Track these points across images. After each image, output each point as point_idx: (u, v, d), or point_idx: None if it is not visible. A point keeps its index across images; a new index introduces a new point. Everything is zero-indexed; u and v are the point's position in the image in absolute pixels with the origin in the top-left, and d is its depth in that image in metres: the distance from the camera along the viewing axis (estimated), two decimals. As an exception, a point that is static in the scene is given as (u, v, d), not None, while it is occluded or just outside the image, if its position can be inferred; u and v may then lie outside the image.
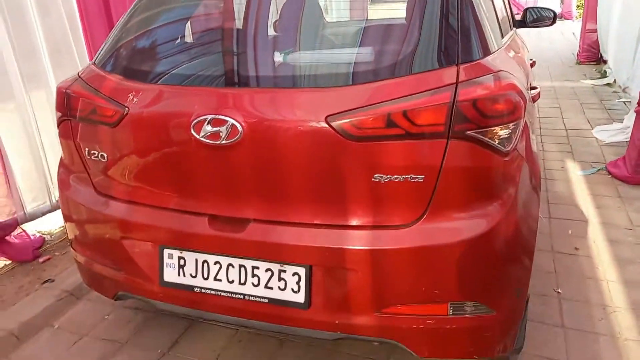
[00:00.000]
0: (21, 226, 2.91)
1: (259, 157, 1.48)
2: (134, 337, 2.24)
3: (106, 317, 2.40)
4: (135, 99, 1.61)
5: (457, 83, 1.36)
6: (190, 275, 1.67)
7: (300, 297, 1.55)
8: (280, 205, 1.52)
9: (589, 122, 4.82)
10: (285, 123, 1.44)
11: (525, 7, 3.49)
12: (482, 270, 1.44)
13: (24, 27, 2.81)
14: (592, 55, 7.24)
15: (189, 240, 1.64)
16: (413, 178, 1.38)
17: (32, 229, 3.03)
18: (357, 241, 1.45)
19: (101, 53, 1.86)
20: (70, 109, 1.77)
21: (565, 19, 12.29)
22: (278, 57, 1.62)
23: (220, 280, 1.64)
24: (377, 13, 2.51)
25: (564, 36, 10.16)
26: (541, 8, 3.34)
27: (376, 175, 1.39)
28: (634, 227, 2.92)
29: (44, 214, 3.03)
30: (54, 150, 3.04)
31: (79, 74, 1.87)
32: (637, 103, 3.41)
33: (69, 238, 2.01)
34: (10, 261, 2.82)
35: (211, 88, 1.58)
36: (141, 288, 1.78)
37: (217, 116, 1.46)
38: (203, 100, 1.51)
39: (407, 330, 1.51)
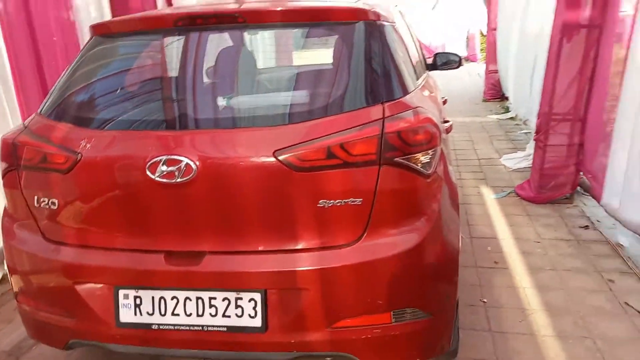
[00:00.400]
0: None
1: (212, 192, 1.61)
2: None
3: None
4: (87, 145, 1.70)
5: (383, 118, 1.59)
6: (147, 313, 1.72)
7: (257, 322, 1.66)
8: (235, 235, 1.65)
9: (497, 152, 5.37)
10: (236, 159, 1.59)
11: (435, 52, 3.94)
12: (416, 278, 1.65)
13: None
14: (496, 93, 8.08)
15: (146, 278, 1.71)
16: (353, 201, 1.57)
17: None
18: (307, 262, 1.61)
19: (47, 103, 1.93)
20: (17, 158, 1.80)
21: (471, 61, 13.56)
22: (222, 101, 1.80)
23: (178, 314, 1.71)
24: (301, 59, 2.76)
25: (471, 77, 11.22)
26: (449, 53, 3.80)
27: (321, 201, 1.57)
28: (541, 239, 3.31)
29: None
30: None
31: (25, 124, 1.91)
32: (535, 132, 3.92)
33: (14, 290, 1.98)
34: None
35: (164, 131, 1.71)
36: (95, 332, 1.79)
37: (171, 156, 1.58)
38: (157, 143, 1.63)
39: (357, 342, 1.66)
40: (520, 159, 4.89)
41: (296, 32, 2.25)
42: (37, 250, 1.82)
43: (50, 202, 1.77)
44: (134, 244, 1.72)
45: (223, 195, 1.62)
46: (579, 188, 3.92)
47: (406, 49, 2.25)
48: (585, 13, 3.27)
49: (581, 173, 3.76)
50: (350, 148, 1.55)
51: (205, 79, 2.00)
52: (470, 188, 4.38)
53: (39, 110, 1.95)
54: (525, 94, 5.77)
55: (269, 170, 1.57)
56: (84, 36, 3.71)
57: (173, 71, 2.03)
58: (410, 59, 2.27)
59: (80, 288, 1.77)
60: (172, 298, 1.71)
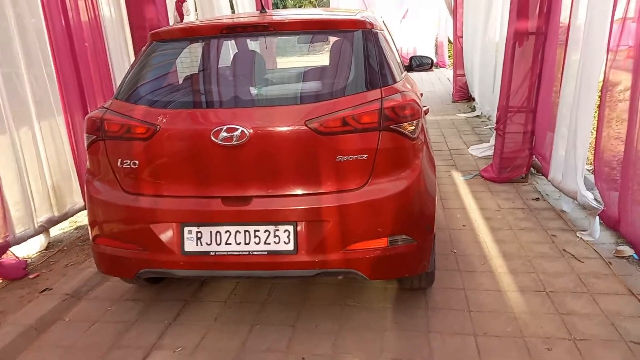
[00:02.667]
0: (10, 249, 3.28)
1: (260, 152, 2.23)
2: (140, 317, 2.77)
3: (109, 308, 2.88)
4: (164, 119, 2.30)
5: (382, 98, 2.25)
6: (207, 243, 2.32)
7: (290, 246, 2.28)
8: (275, 183, 2.27)
9: (465, 144, 6.12)
10: (278, 126, 2.22)
11: (409, 56, 4.63)
12: (405, 212, 2.30)
13: (18, 80, 3.33)
14: (463, 94, 8.87)
15: (206, 216, 2.30)
16: (361, 157, 2.22)
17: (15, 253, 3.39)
18: (328, 201, 2.24)
19: (121, 91, 2.51)
20: (104, 131, 2.38)
21: (440, 67, 14.44)
22: (266, 86, 2.43)
23: (230, 244, 2.31)
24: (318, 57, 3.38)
25: (441, 81, 12.05)
26: (422, 56, 4.49)
27: (338, 156, 2.21)
28: (500, 209, 4.03)
29: (29, 237, 3.42)
30: (36, 182, 3.48)
31: (105, 106, 2.50)
32: (495, 123, 4.65)
33: (92, 234, 2.54)
34: (1, 280, 3.17)
35: (223, 108, 2.33)
36: (164, 261, 2.37)
37: (231, 125, 2.20)
38: (219, 116, 2.25)
39: (362, 260, 2.30)
40: (485, 149, 5.63)
41: (314, 37, 2.90)
42: (118, 199, 2.40)
43: (131, 163, 2.35)
44: (198, 191, 2.32)
45: (267, 153, 2.24)
46: (532, 169, 4.67)
47: (392, 50, 2.92)
48: (533, 23, 4.02)
49: (534, 156, 4.51)
50: (359, 118, 2.20)
51: (236, 72, 2.63)
52: (442, 172, 5.09)
53: (114, 96, 2.53)
54: (489, 94, 6.54)
55: (301, 135, 2.20)
56: (109, 42, 4.27)
57: (217, 65, 2.65)
58: (395, 58, 2.94)
59: (154, 226, 2.35)
60: (226, 232, 2.31)
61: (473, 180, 4.80)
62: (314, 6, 24.08)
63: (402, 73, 2.91)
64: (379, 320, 2.62)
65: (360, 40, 2.44)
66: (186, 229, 2.33)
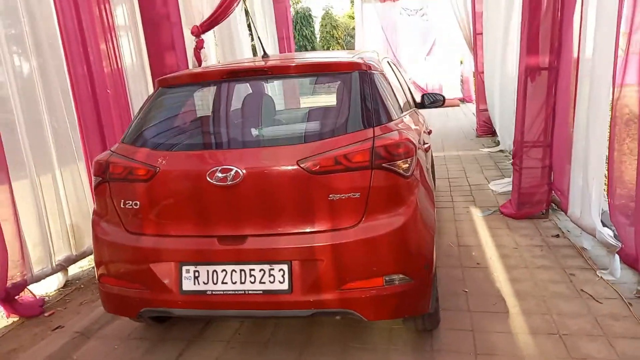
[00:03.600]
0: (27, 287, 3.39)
1: (253, 191, 2.27)
2: (143, 357, 2.79)
3: (116, 347, 2.92)
4: (163, 161, 2.39)
5: (374, 137, 2.27)
6: (204, 282, 2.35)
7: (285, 286, 2.27)
8: (269, 222, 2.30)
9: (487, 179, 6.01)
10: (270, 167, 2.26)
11: (423, 93, 4.68)
12: (401, 251, 2.27)
13: (40, 128, 3.54)
14: (487, 129, 8.78)
15: (203, 255, 2.34)
16: (353, 195, 2.22)
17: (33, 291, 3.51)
18: (322, 240, 2.24)
19: (128, 134, 2.63)
20: (109, 173, 2.49)
21: (467, 102, 14.37)
22: (258, 129, 2.50)
23: (226, 283, 2.33)
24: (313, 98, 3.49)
25: (466, 116, 11.98)
26: (434, 93, 4.53)
27: (330, 195, 2.22)
28: (518, 246, 3.91)
29: (46, 276, 3.53)
30: (54, 222, 3.63)
31: (112, 150, 2.61)
32: (512, 157, 4.57)
33: (98, 273, 2.61)
34: (18, 317, 3.28)
35: (218, 150, 2.40)
36: (163, 300, 2.41)
37: (225, 166, 2.26)
38: (215, 158, 2.32)
39: (359, 300, 2.27)
40: (506, 184, 5.51)
41: (310, 80, 2.98)
42: (121, 239, 2.47)
43: (133, 204, 2.44)
44: (196, 231, 2.37)
45: (261, 193, 2.28)
46: (553, 205, 4.53)
47: (392, 90, 2.95)
48: (544, 58, 4.00)
49: (553, 191, 4.38)
50: (351, 157, 2.22)
51: (244, 114, 2.71)
52: (460, 208, 5.00)
53: (121, 140, 2.66)
54: (510, 128, 6.44)
55: (294, 174, 2.24)
56: (131, 88, 4.49)
57: (221, 108, 2.76)
58: (396, 97, 2.98)
59: (153, 266, 2.40)
60: (222, 271, 2.34)
61: (492, 216, 4.69)
62: (342, 47, 24.67)
63: (403, 112, 2.93)
64: (381, 362, 2.55)
65: (357, 81, 2.49)
66: (184, 268, 2.37)
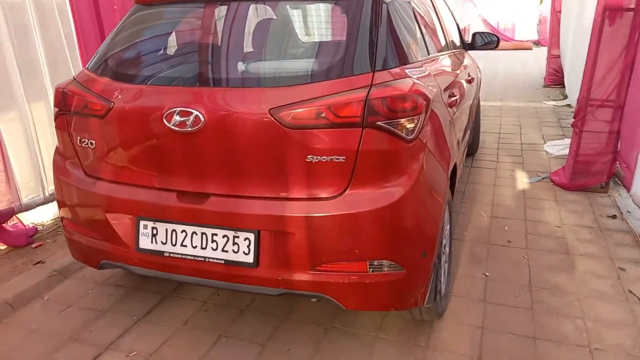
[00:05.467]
0: (17, 215, 3.24)
1: (217, 142, 1.85)
2: (114, 306, 2.57)
3: (90, 291, 2.72)
4: (119, 96, 1.99)
5: (371, 85, 1.74)
6: (162, 242, 2.01)
7: (250, 258, 1.90)
8: (235, 181, 1.88)
9: (543, 138, 5.26)
10: (237, 115, 1.81)
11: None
12: (392, 233, 1.80)
13: (27, 44, 3.20)
14: (557, 79, 7.74)
15: (161, 211, 1.99)
16: (337, 159, 1.75)
17: (27, 219, 3.36)
18: (296, 209, 1.81)
19: (93, 60, 2.24)
20: (66, 104, 2.13)
21: (542, 45, 12.87)
22: (229, 64, 2.02)
23: (185, 246, 1.98)
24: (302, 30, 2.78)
25: (537, 62, 10.74)
26: (487, 33, 3.82)
27: (308, 156, 1.76)
28: (562, 224, 3.31)
29: (37, 205, 3.36)
30: (48, 151, 3.39)
31: (74, 76, 2.24)
32: (573, 117, 3.84)
33: (61, 217, 2.35)
34: (5, 246, 3.15)
35: (181, 87, 1.96)
36: (120, 255, 2.12)
37: (184, 108, 1.83)
38: (174, 97, 1.89)
39: (336, 285, 1.86)
40: (564, 147, 4.76)
41: (300, 5, 2.39)
42: (79, 183, 2.16)
43: (89, 143, 2.09)
44: (153, 182, 2.00)
45: (226, 145, 1.85)
46: (615, 178, 3.82)
47: (419, 24, 2.34)
48: (632, -5, 3.16)
49: (617, 163, 3.66)
50: (337, 110, 1.72)
51: (218, 45, 2.22)
52: (505, 170, 4.37)
53: (86, 66, 2.27)
54: (580, 80, 5.53)
55: (264, 126, 1.78)
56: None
57: (193, 36, 2.28)
58: (423, 35, 2.37)
59: (110, 216, 2.09)
60: (182, 231, 1.98)
61: (540, 184, 4.05)
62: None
63: (430, 53, 2.34)
64: (363, 352, 2.17)
65: (360, 7, 1.92)
66: (142, 223, 2.04)
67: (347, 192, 1.79)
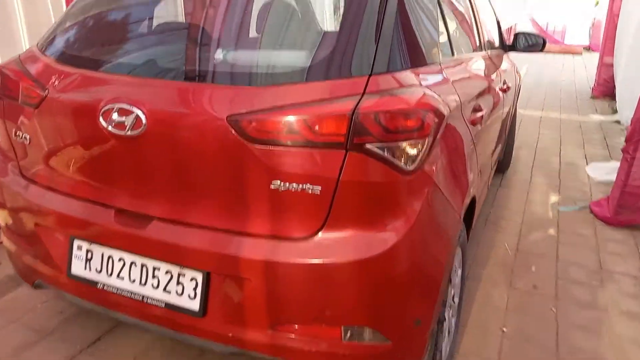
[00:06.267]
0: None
1: (162, 152, 1.44)
2: (60, 329, 2.20)
3: (40, 305, 2.36)
4: (56, 82, 1.59)
5: (362, 93, 1.29)
6: (96, 270, 1.62)
7: (195, 305, 1.48)
8: (182, 204, 1.47)
9: (586, 158, 4.65)
10: (188, 118, 1.38)
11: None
12: (377, 294, 1.36)
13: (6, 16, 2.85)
14: (607, 90, 7.03)
15: (97, 233, 1.60)
16: (310, 189, 1.31)
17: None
18: (254, 250, 1.38)
19: (45, 36, 1.85)
20: (2, 87, 1.75)
21: (593, 51, 11.96)
22: (185, 51, 1.59)
23: (122, 278, 1.59)
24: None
25: (586, 69, 9.92)
26: (532, 34, 3.29)
27: (274, 181, 1.33)
28: (602, 270, 2.77)
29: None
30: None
31: (20, 55, 1.86)
32: (625, 140, 3.27)
33: (0, 222, 1.98)
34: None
35: (125, 77, 1.53)
36: (53, 278, 1.75)
37: (122, 105, 1.41)
38: (114, 89, 1.47)
39: (300, 352, 1.43)
40: (611, 170, 4.15)
41: None
42: (13, 184, 1.79)
43: (23, 137, 1.71)
44: (89, 193, 1.61)
45: (172, 157, 1.43)
46: (671, 216, 3.23)
47: (443, 17, 1.86)
48: None
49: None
50: (313, 124, 1.27)
51: (180, 28, 1.80)
52: (538, 193, 3.83)
53: (36, 43, 1.88)
54: (635, 94, 4.88)
55: (220, 137, 1.34)
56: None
57: (152, 15, 1.84)
58: (448, 30, 1.88)
59: (40, 230, 1.71)
60: (119, 259, 1.59)
61: (578, 214, 3.50)
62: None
63: (454, 54, 1.85)
64: None
65: None
66: (76, 243, 1.66)
67: (320, 233, 1.35)
